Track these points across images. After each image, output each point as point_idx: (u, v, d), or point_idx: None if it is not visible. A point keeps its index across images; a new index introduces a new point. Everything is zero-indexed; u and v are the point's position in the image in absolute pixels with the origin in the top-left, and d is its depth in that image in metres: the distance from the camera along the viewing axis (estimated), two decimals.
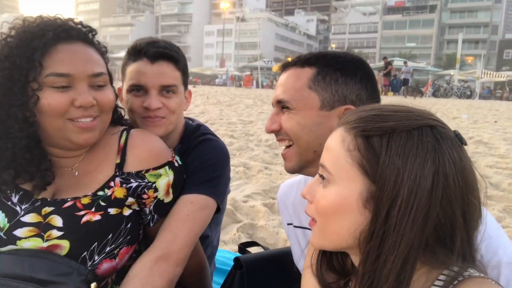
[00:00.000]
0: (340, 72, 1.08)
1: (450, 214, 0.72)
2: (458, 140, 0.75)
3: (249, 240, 2.77)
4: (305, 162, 1.11)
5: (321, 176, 0.79)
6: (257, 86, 34.10)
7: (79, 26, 1.14)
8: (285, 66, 1.16)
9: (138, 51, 1.36)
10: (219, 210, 1.36)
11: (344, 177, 0.76)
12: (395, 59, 34.00)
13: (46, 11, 1.19)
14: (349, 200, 0.75)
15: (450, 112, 13.60)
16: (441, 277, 0.74)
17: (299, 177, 1.40)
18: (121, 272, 1.16)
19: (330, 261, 0.91)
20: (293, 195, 1.34)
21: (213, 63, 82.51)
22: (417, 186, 0.69)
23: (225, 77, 43.13)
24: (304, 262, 0.99)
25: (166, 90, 1.37)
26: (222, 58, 60.18)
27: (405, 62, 23.86)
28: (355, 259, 0.81)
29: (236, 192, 3.98)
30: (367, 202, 0.73)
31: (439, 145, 0.71)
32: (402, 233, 0.69)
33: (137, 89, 1.37)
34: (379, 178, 0.72)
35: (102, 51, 1.18)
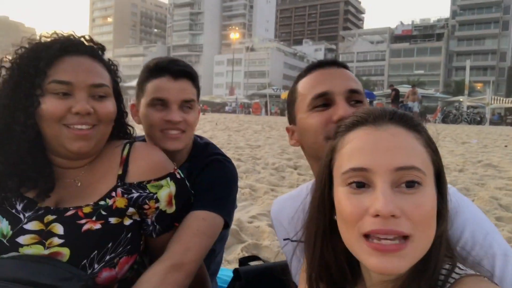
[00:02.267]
0: None
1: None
2: None
3: None
4: None
5: (411, 183, 0.72)
6: (266, 113, 34.35)
7: (90, 42, 1.21)
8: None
9: (161, 68, 1.46)
10: (226, 226, 1.39)
11: (430, 173, 0.75)
12: (403, 86, 34.16)
13: None
14: (435, 197, 0.75)
15: (460, 138, 13.52)
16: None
17: (292, 192, 1.41)
18: (124, 284, 1.17)
19: (330, 276, 0.89)
20: (288, 210, 1.32)
21: (222, 91, 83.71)
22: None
23: (235, 105, 43.60)
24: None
25: (186, 105, 1.47)
26: (231, 87, 61.08)
27: (413, 86, 23.85)
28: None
29: (242, 213, 3.97)
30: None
31: None
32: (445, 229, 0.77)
33: (159, 103, 1.44)
34: (441, 170, 0.78)
35: (109, 67, 1.24)
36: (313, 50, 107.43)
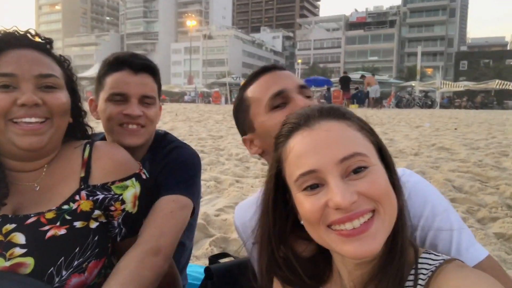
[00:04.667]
0: None
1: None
2: None
3: None
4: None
5: (358, 169, 0.76)
6: (226, 102, 34.17)
7: (36, 36, 1.14)
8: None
9: (121, 62, 1.43)
10: (193, 213, 1.37)
11: (372, 153, 0.80)
12: (359, 73, 35.09)
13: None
14: (385, 172, 0.79)
15: (413, 122, 14.12)
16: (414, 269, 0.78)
17: (252, 196, 1.43)
18: None
19: (285, 278, 0.93)
20: (251, 214, 1.33)
21: (181, 81, 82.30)
22: None
23: (194, 94, 43.02)
24: None
25: (146, 100, 1.44)
26: (190, 75, 60.08)
27: (373, 75, 24.94)
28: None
29: (208, 206, 3.94)
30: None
31: None
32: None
33: (118, 97, 1.41)
34: (381, 146, 0.83)
35: (58, 60, 1.17)
36: (271, 38, 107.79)
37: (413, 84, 34.12)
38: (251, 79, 1.28)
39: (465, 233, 0.97)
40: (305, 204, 0.78)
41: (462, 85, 36.26)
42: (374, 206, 0.74)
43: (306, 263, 0.92)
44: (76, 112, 1.22)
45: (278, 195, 0.88)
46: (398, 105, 27.97)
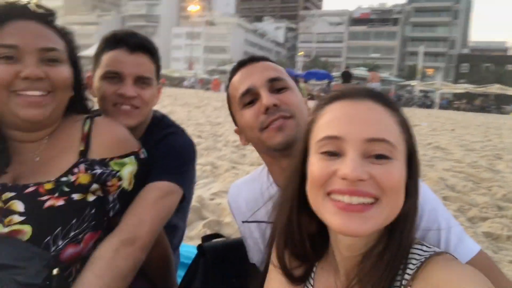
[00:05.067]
0: None
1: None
2: None
3: None
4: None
5: (381, 156, 0.75)
6: (226, 90, 34.03)
7: (38, 8, 1.12)
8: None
9: (118, 40, 1.38)
10: (184, 199, 1.36)
11: (401, 150, 0.78)
12: (359, 69, 35.04)
13: None
14: (405, 173, 0.78)
15: (411, 120, 14.15)
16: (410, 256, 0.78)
17: (247, 177, 1.46)
18: (86, 262, 1.13)
19: (293, 249, 0.93)
20: (245, 193, 1.37)
21: (180, 66, 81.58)
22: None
23: (193, 80, 42.78)
24: (271, 260, 1.00)
25: (142, 81, 1.40)
26: (190, 61, 59.70)
27: (376, 71, 24.82)
28: (369, 237, 0.81)
29: (203, 190, 3.97)
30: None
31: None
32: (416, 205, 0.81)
33: (113, 76, 1.37)
34: (414, 152, 0.81)
35: (62, 33, 1.16)
36: (274, 28, 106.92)
37: (413, 84, 34.15)
38: (231, 74, 1.30)
39: (454, 231, 0.96)
40: (316, 165, 0.78)
41: (462, 87, 36.35)
42: (379, 195, 0.73)
43: (308, 238, 0.93)
44: (78, 85, 1.22)
45: (304, 161, 0.87)
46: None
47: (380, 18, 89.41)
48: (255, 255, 1.33)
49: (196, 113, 11.55)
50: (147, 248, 1.19)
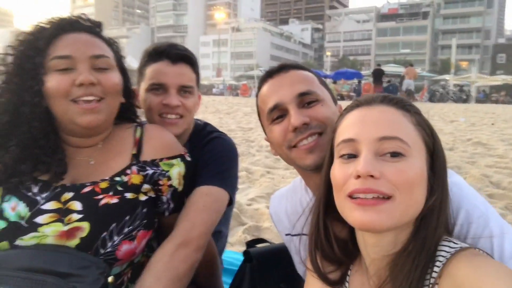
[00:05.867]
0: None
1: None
2: None
3: None
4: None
5: (395, 154, 0.79)
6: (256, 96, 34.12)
7: (86, 21, 1.22)
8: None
9: (160, 53, 1.47)
10: (230, 203, 1.41)
11: (418, 148, 0.82)
12: (389, 65, 34.28)
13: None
14: (424, 170, 0.81)
15: (447, 116, 13.71)
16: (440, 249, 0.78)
17: (286, 187, 1.45)
18: (137, 271, 1.20)
19: (323, 253, 0.97)
20: (285, 205, 1.36)
21: (209, 73, 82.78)
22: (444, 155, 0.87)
23: (222, 87, 43.25)
24: (307, 266, 1.03)
25: (184, 90, 1.48)
26: (218, 68, 60.43)
27: (411, 65, 23.93)
28: (394, 237, 0.83)
29: (240, 195, 4.00)
30: (427, 173, 0.82)
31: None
32: (446, 205, 0.84)
33: (157, 88, 1.45)
34: (435, 151, 0.84)
35: (108, 41, 1.25)
36: (300, 30, 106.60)
37: (447, 78, 33.02)
38: (260, 83, 1.26)
39: (508, 237, 0.89)
40: (336, 169, 0.85)
41: (500, 79, 34.80)
42: (392, 193, 0.76)
43: (340, 243, 0.96)
44: (127, 92, 1.29)
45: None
46: (432, 99, 27.18)
47: (409, 13, 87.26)
48: (300, 268, 1.32)
49: (227, 119, 11.68)
50: (202, 250, 1.25)
